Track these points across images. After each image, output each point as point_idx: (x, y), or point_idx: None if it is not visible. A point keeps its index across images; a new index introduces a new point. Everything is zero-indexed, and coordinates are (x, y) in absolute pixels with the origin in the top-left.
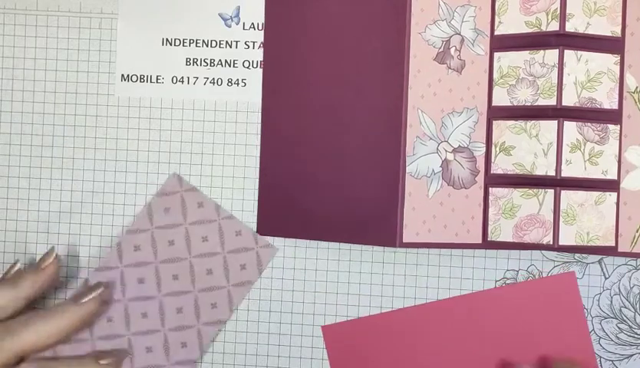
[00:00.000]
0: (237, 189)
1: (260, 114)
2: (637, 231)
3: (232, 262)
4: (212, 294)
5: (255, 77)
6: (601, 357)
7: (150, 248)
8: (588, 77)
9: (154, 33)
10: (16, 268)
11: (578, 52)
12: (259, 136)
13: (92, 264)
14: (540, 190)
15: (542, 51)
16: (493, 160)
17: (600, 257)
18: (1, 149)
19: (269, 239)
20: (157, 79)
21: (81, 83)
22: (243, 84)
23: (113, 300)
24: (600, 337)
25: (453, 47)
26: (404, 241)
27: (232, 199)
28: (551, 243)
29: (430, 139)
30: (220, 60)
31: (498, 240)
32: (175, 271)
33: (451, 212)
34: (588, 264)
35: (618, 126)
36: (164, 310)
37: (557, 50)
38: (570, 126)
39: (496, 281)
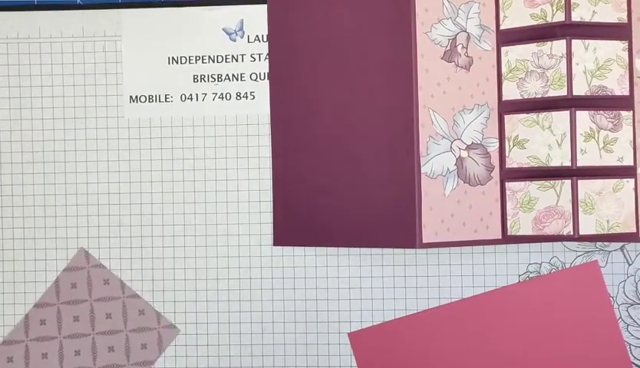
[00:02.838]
0: (253, 202)
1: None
2: None
3: (133, 341)
4: None
5: (263, 89)
6: (630, 344)
7: (56, 322)
8: (597, 65)
9: (159, 52)
10: None
11: (586, 41)
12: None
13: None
14: (557, 181)
15: (549, 43)
16: (507, 155)
17: (622, 244)
18: (15, 179)
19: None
20: (166, 98)
21: (90, 108)
22: (252, 97)
23: None
24: (628, 324)
25: (460, 45)
26: (423, 241)
27: (249, 213)
28: (571, 233)
29: (443, 137)
30: (227, 74)
31: (518, 234)
32: (77, 346)
33: (469, 209)
34: (610, 252)
35: (631, 112)
36: None
37: (564, 40)
38: (582, 116)
39: (520, 276)
